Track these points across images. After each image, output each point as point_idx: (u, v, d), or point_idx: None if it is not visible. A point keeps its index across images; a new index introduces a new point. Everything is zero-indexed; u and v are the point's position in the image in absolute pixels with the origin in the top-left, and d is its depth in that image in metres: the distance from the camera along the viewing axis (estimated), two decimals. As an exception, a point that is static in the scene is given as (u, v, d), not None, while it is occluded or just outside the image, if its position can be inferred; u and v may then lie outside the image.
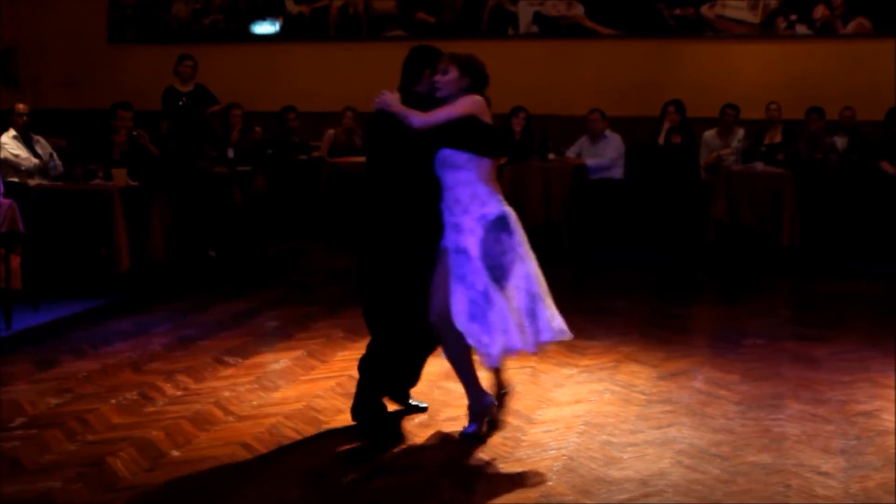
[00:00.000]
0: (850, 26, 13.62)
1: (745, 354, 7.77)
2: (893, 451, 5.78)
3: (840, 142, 12.68)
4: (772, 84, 13.41)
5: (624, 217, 12.45)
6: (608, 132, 12.85)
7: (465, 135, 5.78)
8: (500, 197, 5.88)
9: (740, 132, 12.77)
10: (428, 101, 5.93)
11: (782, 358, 7.69)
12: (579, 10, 14.25)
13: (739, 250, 11.83)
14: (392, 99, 5.91)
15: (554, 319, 6.00)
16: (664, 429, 6.11)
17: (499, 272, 5.76)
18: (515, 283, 5.84)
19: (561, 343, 7.78)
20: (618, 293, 10.07)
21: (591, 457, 5.64)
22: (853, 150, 12.56)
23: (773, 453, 5.73)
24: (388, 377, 6.22)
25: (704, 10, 13.95)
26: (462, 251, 5.75)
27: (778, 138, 12.61)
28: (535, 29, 14.41)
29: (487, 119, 5.88)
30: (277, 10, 15.23)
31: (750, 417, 6.33)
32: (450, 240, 5.81)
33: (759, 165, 12.19)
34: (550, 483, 5.28)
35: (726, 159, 12.42)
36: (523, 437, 5.95)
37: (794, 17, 13.74)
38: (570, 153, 12.92)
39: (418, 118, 5.78)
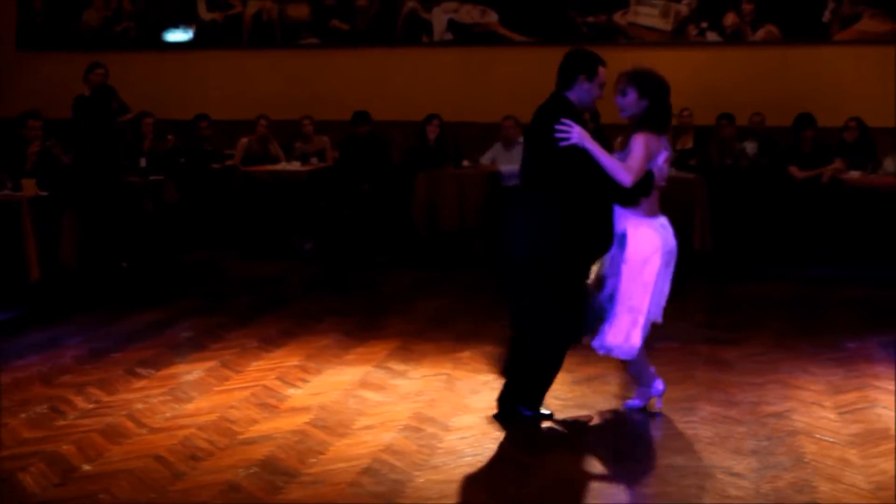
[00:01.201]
0: (760, 33, 13.82)
1: (658, 358, 7.77)
2: (803, 450, 5.87)
3: (750, 147, 12.85)
4: (683, 90, 13.44)
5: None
6: (522, 139, 12.88)
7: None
8: (641, 216, 6.12)
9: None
10: (578, 112, 6.04)
11: (695, 361, 7.77)
12: (493, 17, 14.31)
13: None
14: (588, 139, 5.92)
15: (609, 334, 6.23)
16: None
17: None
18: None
19: (476, 349, 7.89)
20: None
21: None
22: (763, 155, 12.74)
23: (686, 455, 5.79)
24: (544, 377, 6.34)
25: (617, 17, 14.07)
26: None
27: (689, 144, 12.76)
28: (449, 36, 14.44)
29: (662, 153, 6.07)
30: (190, 18, 15.10)
31: (664, 421, 6.39)
32: None
33: (672, 171, 12.28)
34: (468, 489, 5.29)
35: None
36: (439, 445, 5.95)
37: (704, 24, 13.92)
38: (485, 160, 12.96)
39: (629, 175, 5.88)
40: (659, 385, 6.51)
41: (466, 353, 7.86)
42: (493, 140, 13.03)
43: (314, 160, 13.31)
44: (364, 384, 7.10)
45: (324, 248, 12.53)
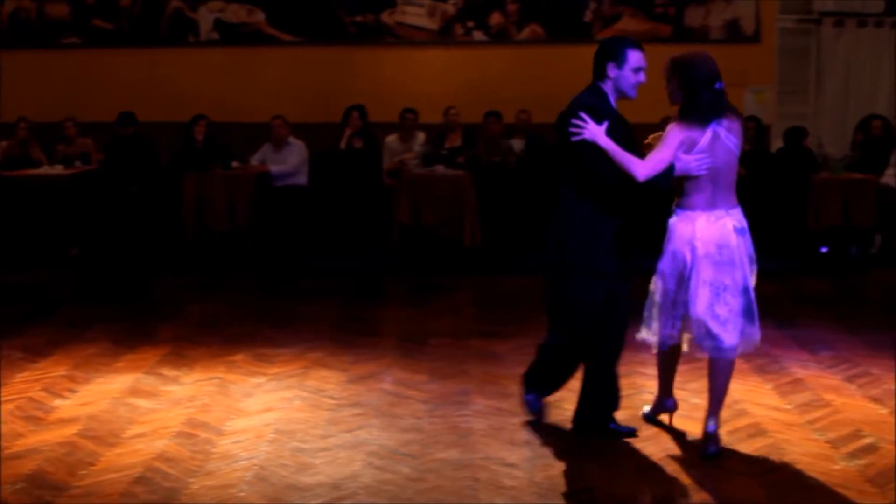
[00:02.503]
0: (525, 33, 14.11)
1: (431, 354, 7.91)
2: (575, 437, 6.01)
3: (517, 144, 13.11)
4: (451, 89, 13.73)
5: (309, 223, 12.46)
6: (291, 139, 12.83)
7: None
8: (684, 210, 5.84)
9: (421, 136, 13.01)
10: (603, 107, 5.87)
11: (467, 355, 7.87)
12: (260, 16, 14.19)
13: (423, 252, 12.03)
14: (601, 135, 5.72)
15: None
16: (354, 431, 6.14)
17: None
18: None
19: (249, 352, 7.81)
20: (305, 299, 10.06)
21: (282, 464, 5.61)
22: (529, 151, 13.00)
23: (461, 449, 5.85)
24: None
25: (384, 16, 14.14)
26: None
27: (458, 142, 12.91)
28: (215, 36, 14.24)
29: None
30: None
31: (438, 415, 6.44)
32: None
33: (440, 169, 12.43)
34: (242, 494, 5.22)
35: (408, 163, 12.63)
36: (213, 450, 5.86)
37: (471, 23, 14.12)
38: (254, 160, 12.82)
39: (641, 170, 5.62)
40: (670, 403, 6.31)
41: (239, 357, 7.77)
42: (262, 140, 12.90)
43: (78, 163, 12.92)
44: (134, 391, 6.93)
45: (90, 254, 12.17)
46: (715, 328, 5.69)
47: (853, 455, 5.77)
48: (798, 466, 5.61)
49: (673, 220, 5.86)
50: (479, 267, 11.69)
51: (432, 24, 14.19)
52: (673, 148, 5.66)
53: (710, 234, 5.73)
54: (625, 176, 5.65)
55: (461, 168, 12.42)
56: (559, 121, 5.94)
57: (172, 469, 5.55)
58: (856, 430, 6.16)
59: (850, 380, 7.17)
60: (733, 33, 13.95)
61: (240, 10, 14.21)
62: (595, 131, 5.68)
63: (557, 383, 6.31)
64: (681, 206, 5.82)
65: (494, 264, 11.81)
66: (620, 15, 14.01)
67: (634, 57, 5.95)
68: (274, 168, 12.63)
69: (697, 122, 5.71)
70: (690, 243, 5.74)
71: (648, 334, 6.01)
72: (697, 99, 5.72)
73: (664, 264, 5.87)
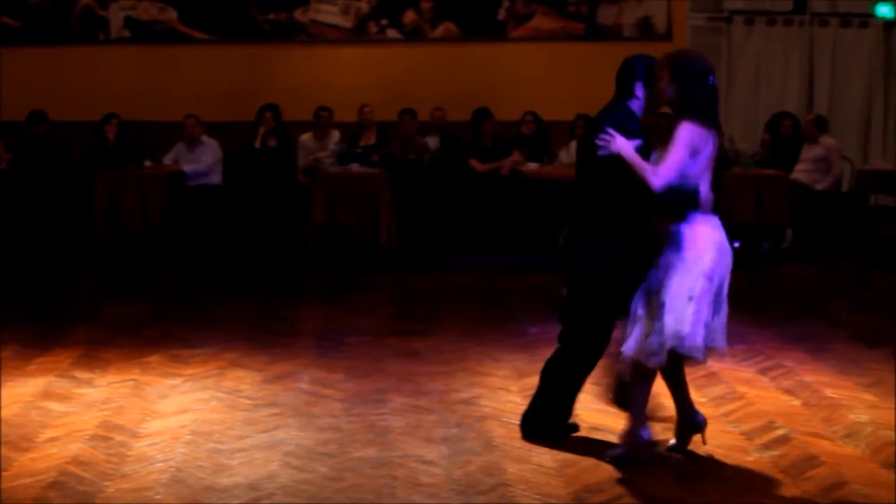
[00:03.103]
0: (439, 31, 14.13)
1: (348, 353, 7.89)
2: (492, 435, 6.03)
3: (432, 141, 13.13)
4: (365, 87, 13.70)
5: (224, 222, 12.36)
6: (205, 138, 12.73)
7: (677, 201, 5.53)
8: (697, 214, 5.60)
9: (335, 134, 12.98)
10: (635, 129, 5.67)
11: (385, 354, 7.86)
12: (172, 14, 14.05)
13: (339, 251, 12.00)
14: (626, 147, 5.53)
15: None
16: (271, 432, 6.10)
17: None
18: None
19: (164, 353, 7.74)
20: (220, 299, 9.99)
21: (199, 466, 5.56)
22: (444, 149, 13.04)
23: (378, 447, 5.84)
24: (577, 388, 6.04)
25: (298, 14, 14.08)
26: None
27: (373, 140, 12.89)
28: (126, 34, 14.08)
29: (708, 146, 5.52)
30: None
31: (355, 414, 6.43)
32: None
33: (356, 167, 12.42)
34: (158, 496, 5.17)
35: (323, 162, 12.59)
36: (129, 453, 5.79)
37: (385, 21, 14.11)
38: (167, 160, 12.70)
39: (657, 178, 5.41)
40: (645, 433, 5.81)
41: (154, 358, 7.69)
42: (175, 139, 12.78)
43: (-13, 163, 12.71)
44: (47, 395, 6.83)
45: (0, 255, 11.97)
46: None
47: (767, 446, 5.86)
48: (713, 458, 5.67)
49: (689, 223, 5.60)
50: (395, 265, 11.69)
51: (346, 23, 14.16)
52: (685, 148, 5.47)
53: (724, 238, 5.65)
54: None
55: (376, 166, 12.41)
56: (587, 134, 5.92)
57: (87, 473, 5.48)
58: (769, 422, 6.25)
59: (763, 372, 7.28)
60: (645, 31, 14.08)
61: (151, 7, 14.05)
62: (621, 144, 5.53)
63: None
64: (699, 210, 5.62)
65: (411, 262, 11.81)
66: (534, 13, 14.09)
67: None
68: (187, 167, 12.52)
69: (704, 120, 5.51)
70: (713, 242, 5.58)
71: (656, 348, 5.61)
72: (693, 95, 5.54)
73: (714, 268, 5.56)
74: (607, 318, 5.86)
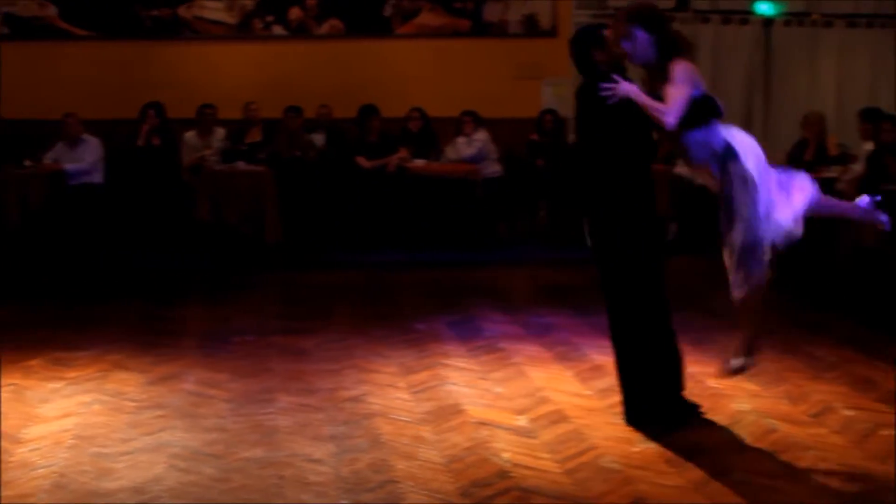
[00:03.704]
0: (324, 27, 14.07)
1: (234, 352, 7.82)
2: (380, 431, 6.03)
3: (318, 138, 13.08)
4: (250, 84, 13.59)
5: (106, 222, 12.17)
6: (86, 136, 12.50)
7: (699, 114, 5.64)
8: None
9: (220, 132, 12.87)
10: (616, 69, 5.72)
11: (271, 352, 7.80)
12: (52, 10, 13.77)
13: (224, 249, 11.89)
14: (633, 89, 5.56)
15: None
16: (156, 434, 6.02)
17: None
18: None
19: (45, 357, 7.59)
20: (104, 300, 9.83)
21: (82, 471, 5.46)
22: (331, 146, 13.00)
23: (266, 447, 5.80)
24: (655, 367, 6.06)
25: (182, 11, 13.90)
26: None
27: (258, 137, 12.81)
28: (6, 30, 13.76)
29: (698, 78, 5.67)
30: None
31: (242, 414, 6.38)
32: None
33: (241, 164, 12.33)
34: (41, 503, 5.07)
35: (208, 160, 12.47)
36: (10, 459, 5.65)
37: (270, 18, 14.00)
38: (48, 159, 12.44)
39: (669, 115, 5.50)
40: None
41: (35, 362, 7.53)
42: (56, 138, 12.54)
43: None
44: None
45: None
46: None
47: (654, 436, 5.93)
48: (599, 450, 5.73)
49: (728, 133, 5.80)
50: (281, 263, 11.62)
51: (231, 19, 14.03)
52: (688, 83, 5.64)
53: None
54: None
55: (262, 163, 12.33)
56: (581, 106, 6.01)
57: (-35, 480, 5.36)
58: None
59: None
60: (531, 28, 14.19)
61: (31, 3, 13.76)
62: (628, 88, 5.62)
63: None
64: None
65: (297, 260, 11.75)
66: (420, 10, 14.10)
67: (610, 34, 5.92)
68: (69, 166, 12.29)
69: (691, 58, 5.77)
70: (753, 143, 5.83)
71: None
72: (672, 35, 5.81)
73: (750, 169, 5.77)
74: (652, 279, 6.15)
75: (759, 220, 5.80)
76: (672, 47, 5.74)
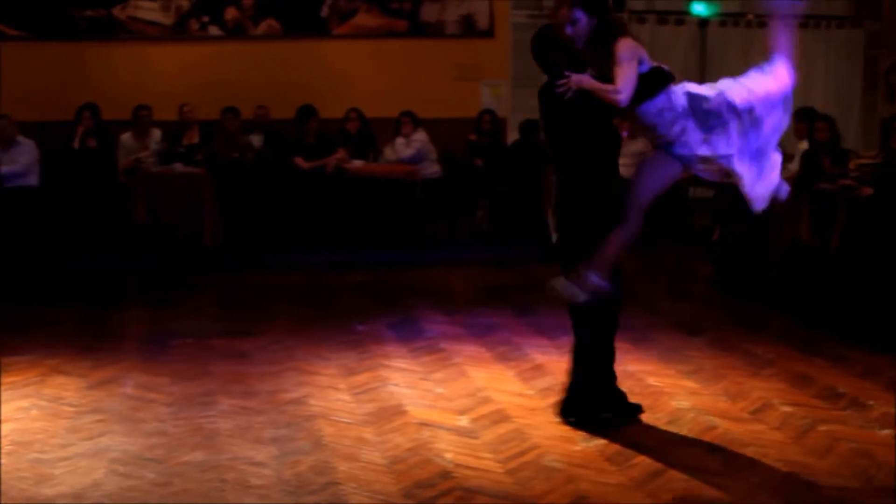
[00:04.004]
0: (261, 28, 14.00)
1: (174, 356, 7.77)
2: (322, 433, 6.01)
3: (256, 140, 13.02)
4: (186, 85, 13.51)
5: (42, 224, 12.02)
6: (20, 138, 12.32)
7: (650, 86, 5.74)
8: None
9: (156, 133, 12.77)
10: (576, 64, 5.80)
11: (211, 355, 7.76)
12: (-15, 11, 13.61)
13: (163, 252, 11.80)
14: (584, 79, 5.63)
15: None
16: (96, 439, 5.97)
17: None
18: None
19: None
20: (40, 303, 9.72)
21: (20, 477, 5.40)
22: (269, 147, 12.94)
23: (207, 450, 5.77)
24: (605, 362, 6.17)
25: (116, 11, 13.77)
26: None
27: (195, 139, 12.72)
28: (-66, 31, 13.58)
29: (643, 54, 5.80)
30: None
31: (182, 418, 6.33)
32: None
33: (179, 166, 12.24)
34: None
35: (145, 161, 12.38)
36: None
37: (206, 18, 13.92)
38: (-18, 162, 12.30)
39: (620, 94, 5.58)
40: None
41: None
42: (-11, 140, 12.39)
43: None
44: None
45: None
46: None
47: (594, 435, 5.96)
48: (541, 449, 5.76)
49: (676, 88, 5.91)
50: (220, 265, 11.55)
51: (166, 19, 13.92)
52: (633, 60, 5.72)
53: None
54: None
55: (199, 165, 12.25)
56: (544, 106, 6.10)
57: None
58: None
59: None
60: (468, 28, 14.21)
61: (-39, 4, 13.60)
62: (579, 78, 5.70)
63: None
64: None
65: (236, 262, 11.69)
66: (357, 10, 14.08)
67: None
68: (3, 169, 12.11)
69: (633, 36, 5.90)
70: None
71: None
72: (613, 18, 5.95)
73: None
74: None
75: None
76: (614, 29, 5.83)
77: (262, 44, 14.00)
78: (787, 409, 6.44)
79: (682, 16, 15.44)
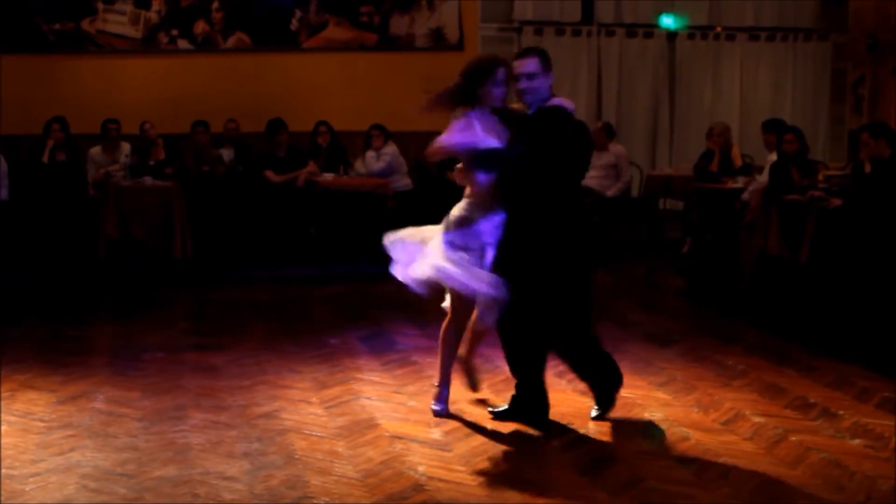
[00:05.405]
0: (231, 41, 14.01)
1: (144, 370, 7.72)
2: (294, 447, 5.99)
3: (226, 153, 13.00)
4: (156, 98, 13.50)
5: (11, 239, 11.96)
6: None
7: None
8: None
9: (126, 147, 12.74)
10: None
11: (182, 369, 7.72)
12: (-49, 24, 13.55)
13: (133, 266, 11.76)
14: (445, 140, 6.66)
15: None
16: (67, 454, 5.92)
17: None
18: None
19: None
20: (10, 318, 9.64)
21: (-11, 493, 5.37)
22: (239, 160, 12.92)
23: (178, 465, 5.73)
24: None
25: (85, 24, 13.76)
26: None
27: (161, 155, 12.65)
28: None
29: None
30: None
31: (153, 432, 6.29)
32: None
33: (148, 180, 12.21)
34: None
35: (114, 175, 12.33)
36: None
37: (175, 32, 13.91)
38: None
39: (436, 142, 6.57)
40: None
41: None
42: (-43, 154, 12.34)
43: None
44: None
45: None
46: None
47: (565, 448, 5.98)
48: (514, 462, 5.76)
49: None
50: (190, 278, 11.52)
51: (135, 33, 13.91)
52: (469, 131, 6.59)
53: None
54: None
55: (169, 179, 12.22)
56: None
57: None
58: (567, 424, 6.38)
59: (559, 375, 7.39)
60: (438, 42, 14.25)
61: (-71, 17, 13.53)
62: (441, 140, 6.50)
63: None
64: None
65: (206, 275, 11.65)
66: (326, 23, 14.11)
67: (500, 72, 6.56)
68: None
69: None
70: None
71: None
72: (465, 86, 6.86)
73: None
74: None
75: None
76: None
77: (231, 57, 14.00)
78: (758, 419, 6.46)
79: (650, 28, 15.54)
